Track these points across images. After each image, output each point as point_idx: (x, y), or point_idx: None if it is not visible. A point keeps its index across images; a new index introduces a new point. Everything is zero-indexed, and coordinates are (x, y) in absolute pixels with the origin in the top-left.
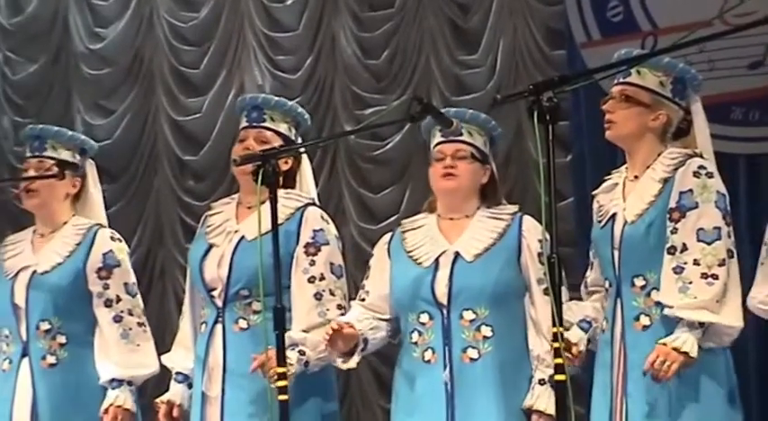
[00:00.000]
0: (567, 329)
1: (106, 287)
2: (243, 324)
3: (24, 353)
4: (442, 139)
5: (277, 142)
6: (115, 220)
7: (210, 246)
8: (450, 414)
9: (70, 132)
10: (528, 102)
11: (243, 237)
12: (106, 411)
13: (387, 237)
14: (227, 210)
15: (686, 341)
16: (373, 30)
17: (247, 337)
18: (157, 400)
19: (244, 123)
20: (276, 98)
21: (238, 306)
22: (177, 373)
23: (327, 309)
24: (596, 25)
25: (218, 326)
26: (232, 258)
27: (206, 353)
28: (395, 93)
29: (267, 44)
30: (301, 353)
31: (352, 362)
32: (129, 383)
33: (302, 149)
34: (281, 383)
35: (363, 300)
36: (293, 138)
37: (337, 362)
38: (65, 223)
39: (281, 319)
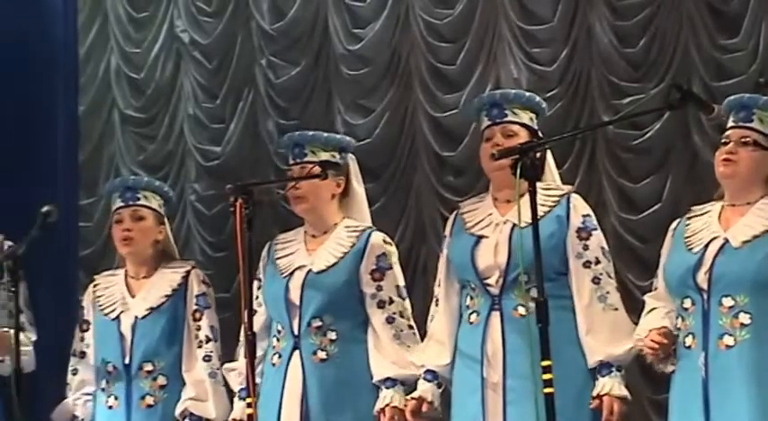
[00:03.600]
0: None
1: (379, 289)
2: (522, 310)
3: (295, 348)
4: (733, 124)
5: (523, 134)
6: (377, 218)
7: (480, 238)
8: (704, 400)
9: (326, 134)
10: None
11: (515, 225)
12: (382, 411)
13: (674, 223)
14: (482, 206)
15: None
16: (630, 18)
17: (527, 324)
18: (407, 397)
19: (486, 122)
20: (514, 91)
21: (516, 293)
22: (427, 371)
23: (607, 292)
24: None
25: (495, 314)
26: (509, 245)
27: (483, 341)
28: (653, 81)
29: (522, 37)
30: None
31: (672, 366)
32: (402, 383)
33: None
34: (547, 376)
35: (656, 289)
36: (535, 128)
37: (662, 368)
38: (335, 224)
39: (543, 313)
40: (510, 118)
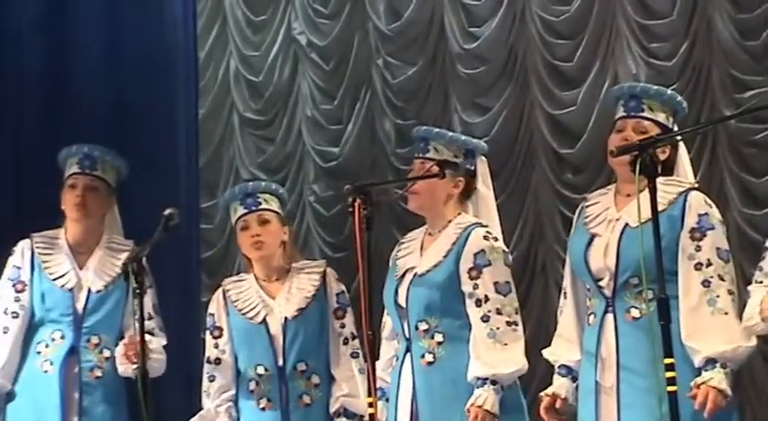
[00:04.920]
0: None
1: (476, 287)
2: (635, 313)
3: (407, 351)
4: None
5: (655, 132)
6: None
7: (593, 236)
8: None
9: (450, 134)
10: None
11: (626, 225)
12: (468, 411)
13: None
14: (604, 200)
15: None
16: (751, 10)
17: (641, 326)
18: (542, 394)
19: (621, 113)
20: (655, 87)
21: (629, 295)
22: (561, 366)
23: (717, 296)
24: None
25: (609, 316)
26: (618, 247)
27: (597, 343)
28: None
29: (640, 32)
30: None
31: None
32: (494, 382)
33: (679, 137)
34: (670, 374)
35: (761, 282)
36: (671, 127)
37: None
38: (449, 222)
39: (664, 310)
40: (645, 113)
